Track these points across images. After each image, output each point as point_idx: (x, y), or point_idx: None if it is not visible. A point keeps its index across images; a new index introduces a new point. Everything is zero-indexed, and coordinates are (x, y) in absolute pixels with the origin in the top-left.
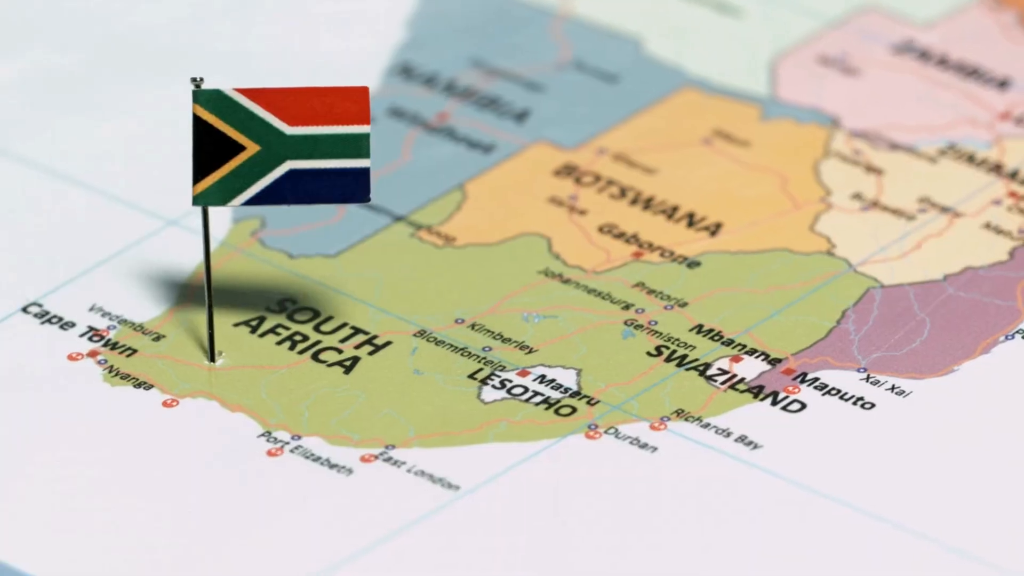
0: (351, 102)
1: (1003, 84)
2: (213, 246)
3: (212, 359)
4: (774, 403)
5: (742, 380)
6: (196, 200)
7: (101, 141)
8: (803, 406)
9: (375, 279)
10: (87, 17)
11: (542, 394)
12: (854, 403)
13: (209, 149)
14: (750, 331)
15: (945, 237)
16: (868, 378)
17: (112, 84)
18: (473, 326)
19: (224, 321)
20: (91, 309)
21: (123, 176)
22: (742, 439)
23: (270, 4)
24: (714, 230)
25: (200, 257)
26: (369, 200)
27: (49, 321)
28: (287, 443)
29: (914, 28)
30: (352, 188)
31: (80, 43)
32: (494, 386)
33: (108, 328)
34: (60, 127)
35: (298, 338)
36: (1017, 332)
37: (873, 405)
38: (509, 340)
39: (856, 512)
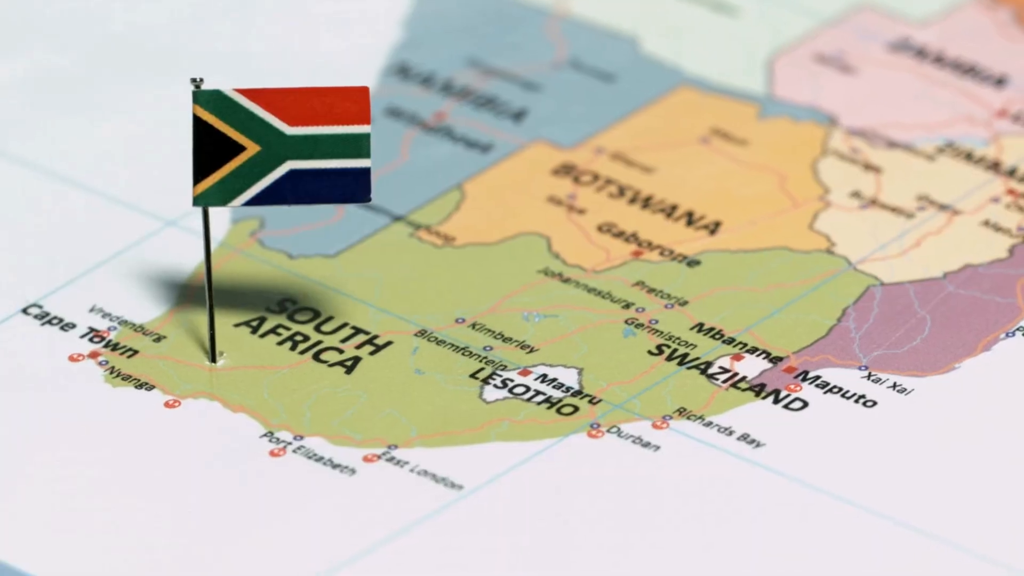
0: (351, 102)
1: (1000, 81)
2: (212, 247)
3: (213, 360)
4: (776, 401)
5: (744, 378)
6: (196, 201)
7: (101, 141)
8: (805, 404)
9: (375, 279)
10: (87, 17)
11: (544, 393)
12: (856, 401)
13: (209, 149)
14: (751, 329)
15: (944, 235)
16: (869, 376)
17: (112, 84)
18: (474, 326)
19: (225, 322)
20: (91, 310)
21: (123, 176)
22: (744, 437)
23: (270, 4)
24: (713, 229)
25: (200, 257)
26: (370, 200)
27: (49, 322)
28: (289, 443)
29: (911, 26)
30: (353, 188)
31: (80, 43)
32: (496, 385)
33: (109, 329)
34: (60, 127)
35: (299, 338)
36: (1018, 329)
37: (875, 403)
38: (510, 339)
39: (858, 510)
